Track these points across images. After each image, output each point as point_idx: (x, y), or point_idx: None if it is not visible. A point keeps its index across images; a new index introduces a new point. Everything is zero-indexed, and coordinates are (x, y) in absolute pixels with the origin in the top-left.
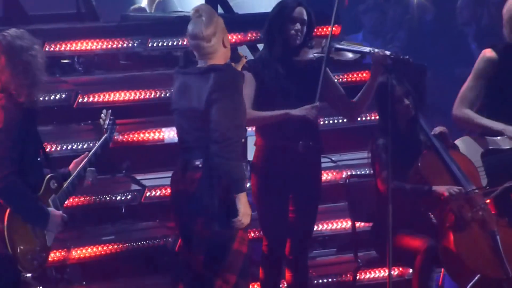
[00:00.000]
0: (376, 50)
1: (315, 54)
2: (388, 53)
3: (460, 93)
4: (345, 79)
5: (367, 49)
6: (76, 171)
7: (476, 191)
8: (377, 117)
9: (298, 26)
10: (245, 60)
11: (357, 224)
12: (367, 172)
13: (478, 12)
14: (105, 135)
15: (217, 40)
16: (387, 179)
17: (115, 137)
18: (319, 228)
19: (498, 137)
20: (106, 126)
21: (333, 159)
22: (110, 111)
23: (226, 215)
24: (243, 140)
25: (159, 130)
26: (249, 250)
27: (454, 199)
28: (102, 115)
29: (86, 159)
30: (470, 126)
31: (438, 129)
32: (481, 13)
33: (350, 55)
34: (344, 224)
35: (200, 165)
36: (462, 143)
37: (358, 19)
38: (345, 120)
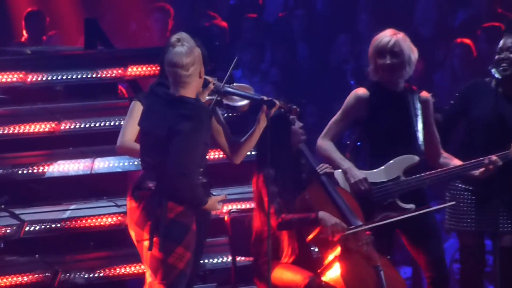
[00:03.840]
0: (265, 98)
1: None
2: (276, 101)
3: (328, 124)
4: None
5: (257, 96)
6: None
7: (363, 226)
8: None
9: None
10: (213, 86)
11: (238, 258)
12: (248, 206)
13: (356, 49)
14: None
15: (194, 71)
16: (279, 210)
17: None
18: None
19: (374, 170)
20: None
21: (214, 194)
22: None
23: (165, 234)
24: (201, 169)
25: (42, 164)
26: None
27: (338, 235)
28: None
29: None
30: (326, 158)
31: (324, 167)
32: (359, 50)
33: (241, 102)
34: (225, 258)
35: (153, 188)
36: (341, 175)
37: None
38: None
